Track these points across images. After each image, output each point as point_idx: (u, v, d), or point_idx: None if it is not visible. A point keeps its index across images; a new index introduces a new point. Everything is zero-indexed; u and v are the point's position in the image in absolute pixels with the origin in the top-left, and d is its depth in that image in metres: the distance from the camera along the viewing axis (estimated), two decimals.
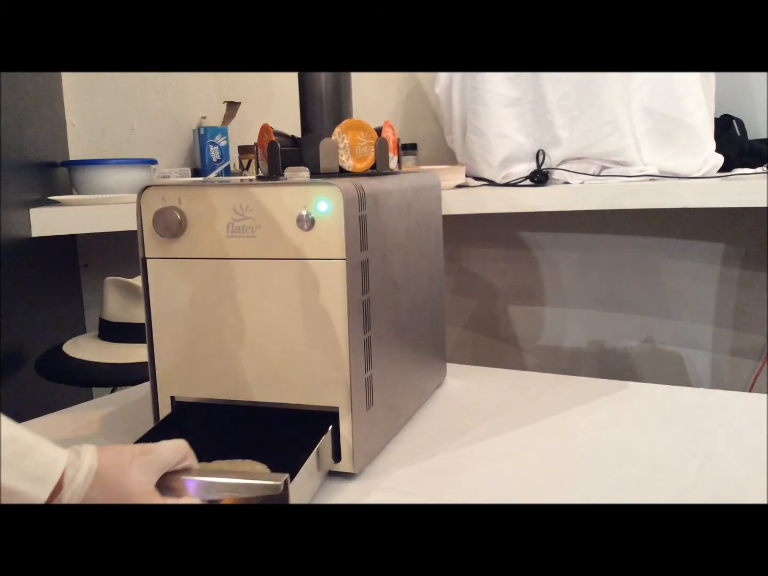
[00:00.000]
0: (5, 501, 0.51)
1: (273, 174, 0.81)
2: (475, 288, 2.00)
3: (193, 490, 0.58)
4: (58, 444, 0.56)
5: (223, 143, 1.63)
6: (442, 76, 1.65)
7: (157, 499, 0.56)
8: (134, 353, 1.11)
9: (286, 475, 0.57)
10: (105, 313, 1.15)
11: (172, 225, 0.70)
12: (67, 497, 0.53)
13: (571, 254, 1.93)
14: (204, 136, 1.62)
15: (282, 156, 0.81)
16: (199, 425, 0.74)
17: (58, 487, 0.53)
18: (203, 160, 1.63)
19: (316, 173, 0.80)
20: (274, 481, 0.56)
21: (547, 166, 1.51)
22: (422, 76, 1.91)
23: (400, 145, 0.90)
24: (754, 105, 1.71)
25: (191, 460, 0.60)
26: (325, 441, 0.68)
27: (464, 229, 1.89)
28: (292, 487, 0.58)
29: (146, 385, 0.81)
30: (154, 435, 0.70)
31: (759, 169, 1.54)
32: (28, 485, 0.52)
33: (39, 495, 0.52)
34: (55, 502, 0.53)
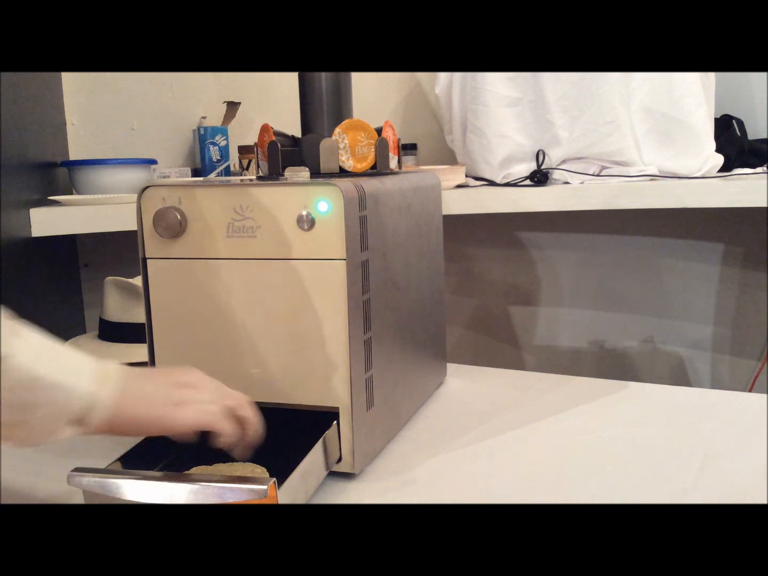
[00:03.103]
0: (48, 399, 0.52)
1: (273, 174, 0.81)
2: (475, 288, 2.00)
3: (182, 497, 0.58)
4: (57, 446, 0.56)
5: (223, 143, 1.63)
6: (442, 76, 1.65)
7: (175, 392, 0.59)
8: (134, 353, 1.11)
9: (273, 480, 0.57)
10: (105, 313, 1.15)
11: (172, 225, 0.70)
12: (101, 396, 0.55)
13: (571, 254, 1.93)
14: (204, 136, 1.62)
15: (282, 156, 0.81)
16: None
17: (100, 378, 0.55)
18: (203, 160, 1.62)
19: (316, 173, 0.80)
20: (259, 486, 0.56)
21: (547, 166, 1.50)
22: (422, 76, 1.91)
23: (400, 145, 0.90)
24: (754, 105, 1.71)
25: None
26: (325, 441, 0.68)
27: (464, 229, 1.89)
28: (282, 490, 0.58)
29: None
30: (151, 440, 0.70)
31: (759, 169, 1.54)
32: (70, 379, 0.54)
33: (82, 387, 0.54)
34: (89, 405, 0.54)
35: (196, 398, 0.60)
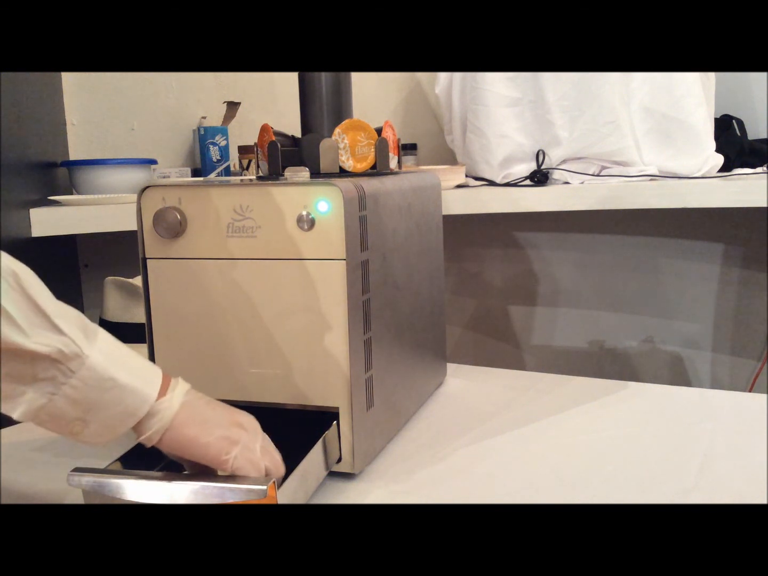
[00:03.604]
0: (119, 401, 0.54)
1: (273, 174, 0.81)
2: (475, 288, 2.00)
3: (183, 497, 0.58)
4: (57, 446, 0.56)
5: (223, 143, 1.63)
6: (442, 76, 1.65)
7: (235, 429, 0.60)
8: None
9: (273, 480, 0.57)
10: (105, 313, 1.15)
11: (172, 225, 0.70)
12: (165, 407, 0.56)
13: (570, 254, 1.93)
14: (204, 136, 1.62)
15: (282, 156, 0.81)
16: None
17: (161, 392, 0.56)
18: (203, 160, 1.62)
19: (316, 173, 0.80)
20: (259, 486, 0.56)
21: (547, 166, 1.51)
22: (422, 76, 1.91)
23: (400, 145, 0.90)
24: (754, 105, 1.71)
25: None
26: (325, 441, 0.68)
27: (464, 229, 1.89)
28: (282, 490, 0.58)
29: None
30: None
31: (759, 169, 1.54)
32: (141, 383, 0.55)
33: (151, 393, 0.55)
34: (153, 411, 0.55)
35: (246, 443, 0.60)
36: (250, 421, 0.62)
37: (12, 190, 1.24)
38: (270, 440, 0.63)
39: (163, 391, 0.57)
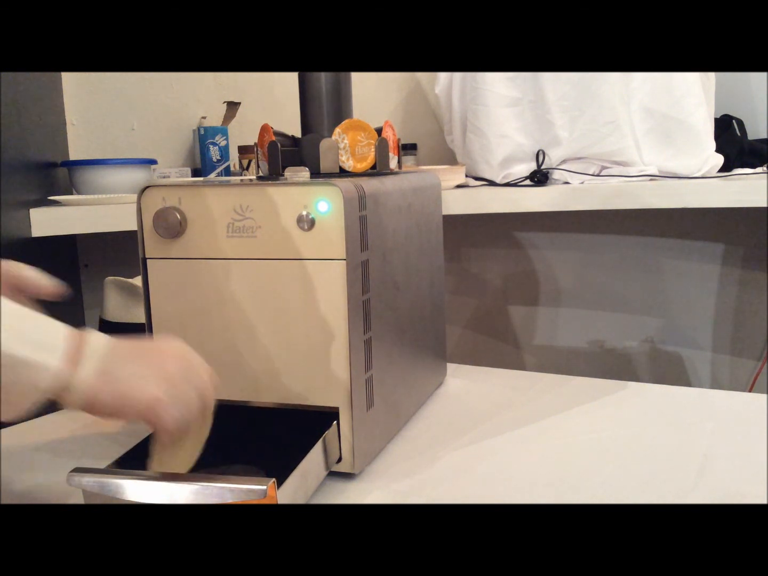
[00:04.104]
0: (17, 376, 0.50)
1: (273, 174, 0.81)
2: (475, 288, 2.00)
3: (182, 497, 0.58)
4: (57, 446, 0.55)
5: (223, 143, 1.63)
6: (442, 76, 1.65)
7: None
8: None
9: (273, 480, 0.57)
10: (105, 313, 1.15)
11: (172, 225, 0.71)
12: (79, 381, 0.53)
13: (570, 254, 1.93)
14: (204, 136, 1.62)
15: (282, 156, 0.81)
16: None
17: (73, 356, 0.53)
18: (203, 160, 1.62)
19: (316, 173, 0.80)
20: (258, 486, 0.56)
21: (547, 166, 1.50)
22: (422, 76, 1.91)
23: (400, 145, 0.90)
24: (754, 105, 1.71)
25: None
26: (325, 441, 0.68)
27: (464, 229, 1.89)
28: (282, 490, 0.58)
29: None
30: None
31: (759, 169, 1.54)
32: (40, 354, 0.51)
33: (51, 362, 0.51)
34: (67, 385, 0.52)
35: (171, 394, 0.57)
36: (175, 362, 0.59)
37: (12, 190, 1.24)
38: (198, 360, 0.61)
39: (74, 354, 0.53)
